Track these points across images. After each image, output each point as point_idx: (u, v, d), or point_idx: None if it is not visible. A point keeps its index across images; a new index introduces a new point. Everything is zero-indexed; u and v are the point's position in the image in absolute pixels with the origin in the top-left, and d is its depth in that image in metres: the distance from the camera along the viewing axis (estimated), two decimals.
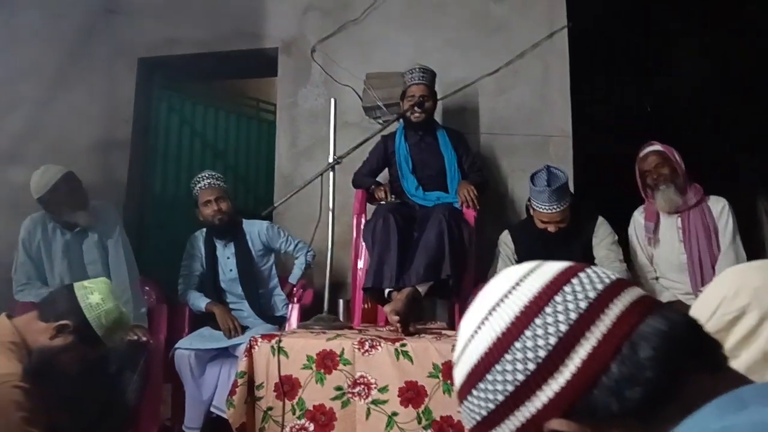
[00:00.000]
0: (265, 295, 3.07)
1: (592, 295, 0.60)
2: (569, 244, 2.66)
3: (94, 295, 1.70)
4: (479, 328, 0.62)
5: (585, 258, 2.66)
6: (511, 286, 0.63)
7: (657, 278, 2.74)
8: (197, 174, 3.14)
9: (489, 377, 0.60)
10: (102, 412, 2.31)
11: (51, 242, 2.78)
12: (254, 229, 3.12)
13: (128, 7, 4.20)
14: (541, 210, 2.58)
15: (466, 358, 0.63)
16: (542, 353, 0.58)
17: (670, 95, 3.56)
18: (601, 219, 2.72)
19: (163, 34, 4.10)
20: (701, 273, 2.57)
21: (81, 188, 2.82)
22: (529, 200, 2.73)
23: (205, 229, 3.12)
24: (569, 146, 3.31)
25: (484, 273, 2.86)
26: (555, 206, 2.56)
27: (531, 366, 0.58)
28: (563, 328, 0.58)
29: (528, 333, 0.59)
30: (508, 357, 0.59)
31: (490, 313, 0.62)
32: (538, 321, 0.59)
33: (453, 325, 2.82)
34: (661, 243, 2.72)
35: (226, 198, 3.04)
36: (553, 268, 0.64)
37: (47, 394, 1.53)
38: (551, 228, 2.61)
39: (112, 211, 2.98)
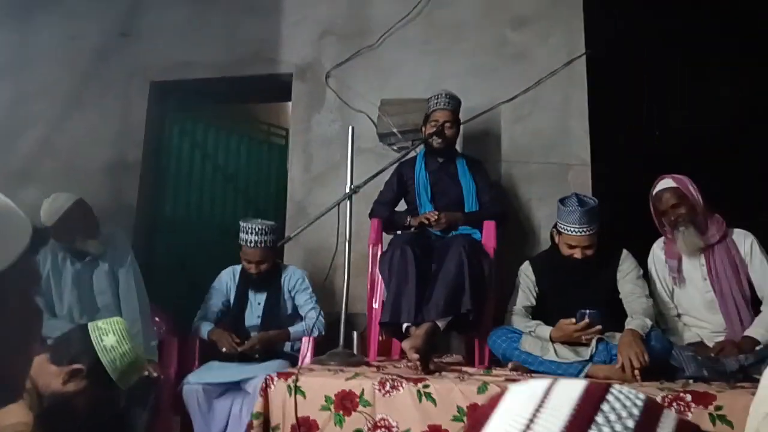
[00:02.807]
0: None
1: (630, 424, 0.51)
2: (593, 276, 2.59)
3: (108, 337, 1.62)
4: None
5: (609, 291, 2.59)
6: (524, 424, 0.53)
7: (679, 315, 2.65)
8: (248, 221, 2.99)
9: None
10: None
11: (61, 272, 2.73)
12: (290, 277, 3.07)
13: (142, 31, 4.20)
14: (570, 232, 2.51)
15: None
16: None
17: (692, 124, 3.51)
18: (625, 252, 2.64)
19: (177, 57, 4.08)
20: (736, 312, 2.46)
21: (92, 215, 2.77)
22: (554, 227, 2.66)
23: (239, 268, 3.06)
24: (588, 175, 3.25)
25: (502, 306, 2.78)
26: (585, 229, 2.48)
27: None
28: None
29: None
30: None
31: None
32: None
33: (472, 361, 2.74)
34: (686, 281, 2.60)
35: (268, 258, 2.97)
36: (569, 394, 0.54)
37: None
38: (577, 254, 2.53)
39: (123, 238, 2.92)
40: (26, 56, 4.38)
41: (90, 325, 1.67)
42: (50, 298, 2.72)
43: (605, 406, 0.53)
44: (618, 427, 0.51)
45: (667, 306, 2.65)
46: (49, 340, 2.68)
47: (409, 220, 2.95)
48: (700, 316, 2.56)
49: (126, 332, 1.66)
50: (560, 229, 2.57)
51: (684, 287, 2.61)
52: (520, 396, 0.57)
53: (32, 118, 4.24)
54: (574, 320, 2.38)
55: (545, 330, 2.46)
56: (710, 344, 2.46)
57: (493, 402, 0.58)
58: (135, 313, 2.69)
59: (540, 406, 0.54)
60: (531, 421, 0.53)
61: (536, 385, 0.57)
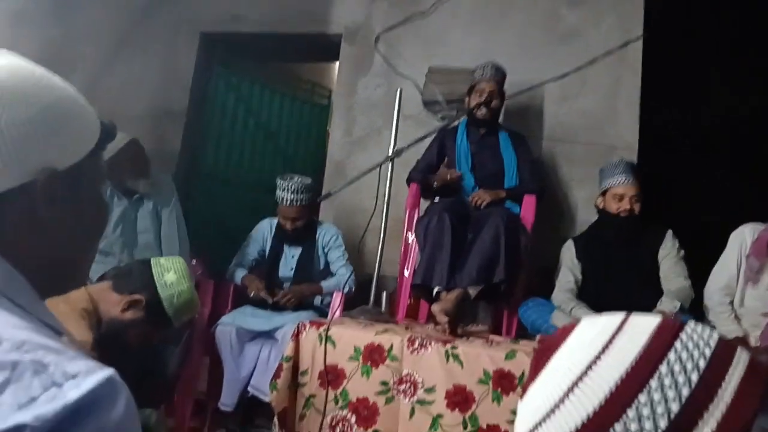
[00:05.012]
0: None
1: (702, 364, 0.51)
2: (635, 251, 2.60)
3: (169, 274, 1.67)
4: (561, 402, 0.52)
5: (650, 269, 2.59)
6: (599, 349, 0.53)
7: (731, 303, 2.50)
8: (286, 176, 3.00)
9: None
10: (143, 383, 2.31)
11: (110, 208, 2.80)
12: (325, 234, 3.10)
13: None
14: (617, 184, 2.60)
15: None
16: None
17: (744, 117, 3.42)
18: (670, 233, 2.63)
19: (227, 9, 4.10)
20: None
21: (144, 156, 2.84)
22: (599, 196, 2.70)
23: (276, 220, 3.10)
24: (633, 160, 3.19)
25: (534, 281, 2.80)
26: (631, 178, 2.58)
27: None
28: (675, 407, 0.49)
29: (630, 414, 0.49)
30: None
31: (576, 384, 0.52)
32: (642, 398, 0.49)
33: (498, 330, 2.76)
34: (759, 284, 2.44)
35: (304, 216, 2.99)
36: (645, 326, 0.54)
37: (109, 365, 1.51)
38: (626, 204, 2.57)
39: (169, 182, 3.00)
40: None
41: (152, 260, 1.71)
42: None
43: (683, 335, 0.53)
44: (695, 353, 0.52)
45: (728, 290, 2.51)
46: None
47: (432, 180, 2.94)
48: (747, 312, 2.47)
49: (186, 272, 1.71)
50: (606, 186, 2.64)
51: (756, 288, 2.45)
52: (596, 325, 0.57)
53: (79, 60, 4.30)
54: None
55: (585, 312, 2.46)
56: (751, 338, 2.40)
57: (566, 330, 0.59)
58: (175, 253, 2.75)
59: (618, 330, 0.55)
60: (607, 345, 0.54)
61: (612, 317, 0.58)
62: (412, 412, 2.04)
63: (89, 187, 0.67)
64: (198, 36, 4.18)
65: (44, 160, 0.59)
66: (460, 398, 2.01)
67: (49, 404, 0.43)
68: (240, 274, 3.01)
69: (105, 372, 0.48)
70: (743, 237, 2.51)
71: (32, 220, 0.60)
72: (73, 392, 0.44)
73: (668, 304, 2.36)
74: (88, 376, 0.46)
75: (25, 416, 0.42)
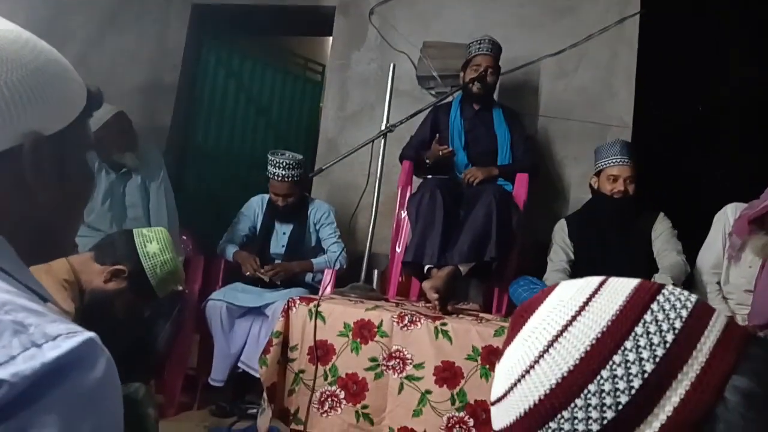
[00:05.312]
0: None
1: (677, 324, 0.50)
2: (629, 234, 2.59)
3: (152, 244, 1.65)
4: (536, 362, 0.52)
5: (643, 251, 2.58)
6: (575, 310, 0.53)
7: (719, 282, 2.53)
8: (276, 152, 3.00)
9: (552, 425, 0.50)
10: (132, 357, 2.31)
11: (96, 181, 2.77)
12: (317, 210, 3.09)
13: None
14: (612, 164, 2.60)
15: (516, 399, 0.52)
16: (623, 399, 0.48)
17: (739, 102, 3.39)
18: (662, 215, 2.63)
19: None
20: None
21: (131, 129, 2.80)
22: (593, 176, 2.70)
23: (267, 197, 3.08)
24: (628, 137, 3.17)
25: (525, 258, 2.79)
26: (627, 159, 2.58)
27: (609, 414, 0.48)
28: (649, 367, 0.48)
29: (604, 374, 0.49)
30: (579, 403, 0.49)
31: (551, 345, 0.52)
32: (616, 359, 0.49)
33: (489, 309, 2.76)
34: (741, 262, 2.44)
35: (295, 192, 2.98)
36: (623, 288, 0.54)
37: None
38: (620, 186, 2.57)
39: (158, 155, 2.96)
40: None
41: (135, 231, 1.69)
42: None
43: (660, 297, 0.53)
44: (672, 314, 0.51)
45: (715, 269, 2.52)
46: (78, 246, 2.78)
47: (425, 156, 2.89)
48: (741, 297, 2.47)
49: (169, 242, 1.69)
50: (601, 166, 2.64)
51: (738, 266, 2.47)
52: (574, 287, 0.57)
53: (69, 34, 4.22)
54: None
55: None
56: (738, 317, 2.40)
57: (544, 293, 0.59)
58: (164, 227, 2.73)
59: (596, 292, 0.55)
60: (584, 306, 0.53)
61: (591, 280, 0.57)
62: (401, 387, 2.03)
63: (76, 154, 0.66)
64: (189, 8, 4.10)
65: (31, 124, 0.58)
66: (448, 374, 2.00)
67: (28, 363, 0.43)
68: (231, 251, 3.00)
69: (85, 334, 0.48)
70: (726, 216, 2.52)
71: (20, 186, 0.59)
72: (52, 352, 0.45)
73: (660, 280, 2.35)
74: (69, 338, 0.46)
75: (3, 373, 0.42)
